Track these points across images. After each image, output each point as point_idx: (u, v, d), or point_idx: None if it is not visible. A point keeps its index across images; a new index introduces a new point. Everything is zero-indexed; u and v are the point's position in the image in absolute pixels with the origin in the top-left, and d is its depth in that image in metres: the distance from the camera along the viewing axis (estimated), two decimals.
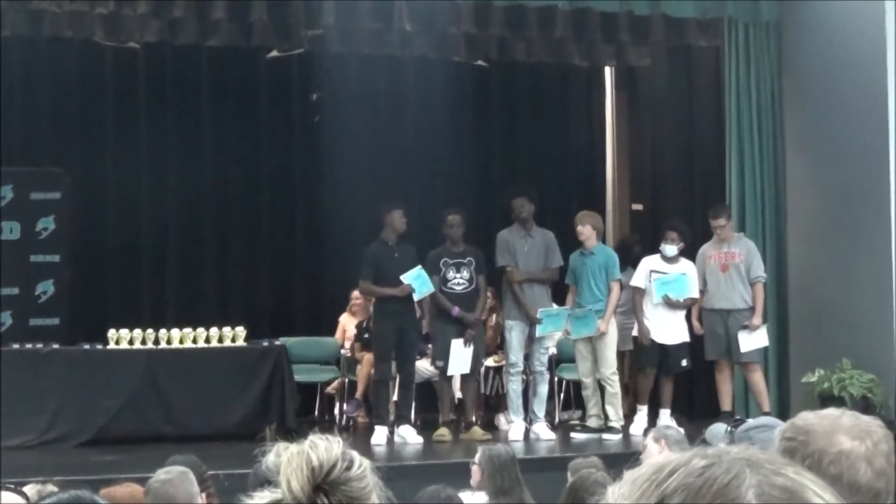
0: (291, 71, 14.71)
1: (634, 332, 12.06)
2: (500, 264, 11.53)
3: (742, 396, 11.94)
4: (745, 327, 11.47)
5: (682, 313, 11.84)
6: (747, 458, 1.32)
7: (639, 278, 11.84)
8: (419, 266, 11.27)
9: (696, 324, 11.78)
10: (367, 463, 2.12)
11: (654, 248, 12.21)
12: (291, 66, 14.59)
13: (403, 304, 11.23)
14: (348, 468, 2.07)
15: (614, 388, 11.40)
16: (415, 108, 14.86)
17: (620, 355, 12.12)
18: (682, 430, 7.20)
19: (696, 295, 11.75)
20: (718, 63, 13.10)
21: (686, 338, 11.81)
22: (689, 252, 12.04)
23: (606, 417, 11.42)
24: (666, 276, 11.76)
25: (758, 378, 11.57)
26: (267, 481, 2.14)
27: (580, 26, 12.49)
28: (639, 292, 11.82)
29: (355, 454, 2.11)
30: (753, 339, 11.50)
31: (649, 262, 11.90)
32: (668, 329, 11.74)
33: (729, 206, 12.10)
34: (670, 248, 11.79)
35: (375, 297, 11.57)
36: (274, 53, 14.01)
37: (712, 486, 1.29)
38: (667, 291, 11.70)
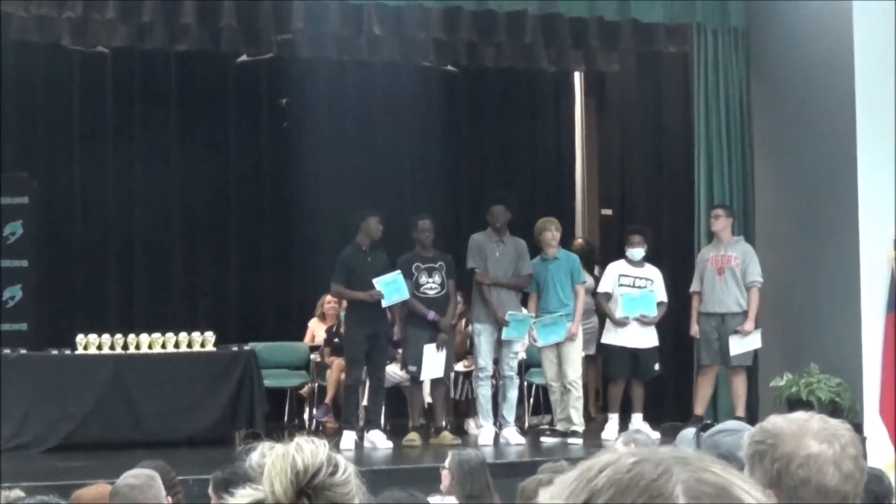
0: (260, 76, 14.68)
1: (603, 340, 12.05)
2: (470, 266, 11.53)
3: (711, 400, 11.97)
4: (736, 332, 11.49)
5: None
6: (676, 456, 1.33)
7: (606, 284, 11.86)
8: (398, 272, 11.24)
9: (694, 327, 11.77)
10: (351, 468, 2.11)
11: (620, 253, 12.22)
12: (260, 70, 14.55)
13: (375, 310, 11.19)
14: (333, 473, 2.06)
15: (578, 391, 11.40)
16: (384, 113, 14.87)
17: (585, 359, 12.15)
18: (653, 435, 7.24)
19: (665, 299, 11.82)
20: (687, 68, 13.14)
21: (656, 342, 11.85)
22: (656, 256, 12.11)
23: (570, 422, 11.42)
24: (632, 291, 11.78)
25: (741, 382, 11.60)
26: (238, 483, 2.13)
27: (549, 32, 12.50)
28: (606, 297, 11.84)
29: (340, 458, 2.10)
30: (744, 344, 11.52)
31: (616, 268, 11.92)
32: (639, 334, 11.77)
33: (729, 206, 12.10)
34: (637, 252, 11.85)
35: (347, 302, 11.55)
36: (243, 58, 13.96)
37: (640, 482, 1.30)
38: (636, 310, 11.74)
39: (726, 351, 11.51)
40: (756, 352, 11.99)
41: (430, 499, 6.68)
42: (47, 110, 14.06)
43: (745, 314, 11.56)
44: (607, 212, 15.22)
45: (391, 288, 11.15)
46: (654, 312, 11.80)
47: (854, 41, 11.25)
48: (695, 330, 11.76)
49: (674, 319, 12.32)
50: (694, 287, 11.80)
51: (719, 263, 11.65)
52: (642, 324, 11.76)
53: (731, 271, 11.60)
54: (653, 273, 11.91)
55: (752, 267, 11.63)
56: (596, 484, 1.31)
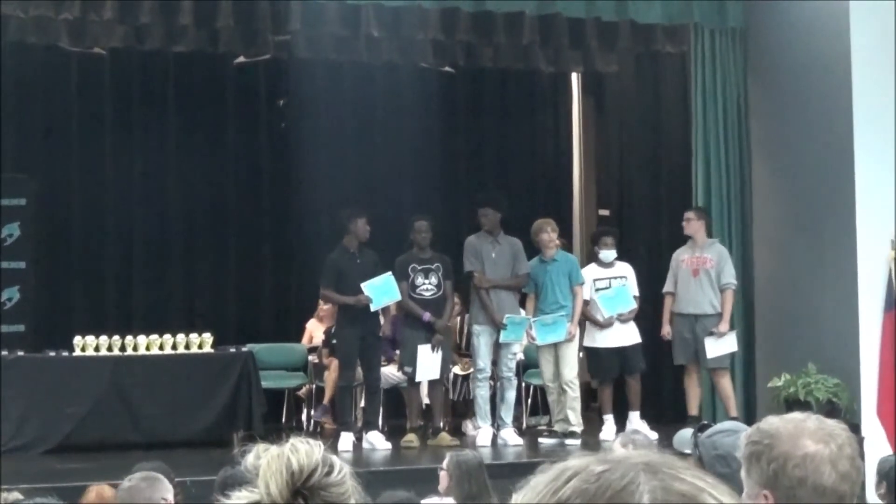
0: (258, 77, 14.68)
1: (586, 343, 12.00)
2: (468, 269, 11.52)
3: (709, 401, 11.98)
4: (711, 333, 11.49)
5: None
6: (645, 464, 1.34)
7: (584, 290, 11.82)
8: (389, 273, 11.23)
9: (665, 328, 11.78)
10: (346, 468, 2.11)
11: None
12: (258, 71, 14.56)
13: (366, 311, 11.17)
14: (328, 473, 2.06)
15: (575, 392, 11.39)
16: (382, 114, 14.87)
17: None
18: (651, 436, 7.23)
19: (637, 293, 11.83)
20: (685, 69, 13.14)
21: (638, 339, 11.85)
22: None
23: (567, 423, 11.40)
24: (606, 291, 11.78)
25: (726, 383, 11.59)
26: (236, 485, 2.13)
27: (547, 32, 12.50)
28: (587, 304, 11.80)
29: (336, 459, 2.10)
30: (720, 346, 11.50)
31: (589, 273, 11.90)
32: (622, 332, 11.79)
33: (702, 208, 12.12)
34: (609, 254, 11.89)
35: (338, 304, 11.54)
36: (241, 59, 13.96)
37: (607, 491, 1.31)
38: (616, 307, 11.74)
39: (701, 352, 11.50)
40: (754, 352, 11.99)
41: (429, 500, 6.69)
42: (45, 112, 14.05)
43: (719, 316, 11.56)
44: (605, 212, 15.21)
45: (380, 291, 11.12)
46: (631, 304, 11.80)
47: (851, 41, 11.26)
48: (666, 331, 11.78)
49: None
50: (667, 288, 11.82)
51: (694, 265, 11.66)
52: (621, 321, 11.76)
53: (707, 273, 11.61)
54: (625, 269, 11.95)
55: (727, 269, 11.65)
56: (563, 493, 1.33)
